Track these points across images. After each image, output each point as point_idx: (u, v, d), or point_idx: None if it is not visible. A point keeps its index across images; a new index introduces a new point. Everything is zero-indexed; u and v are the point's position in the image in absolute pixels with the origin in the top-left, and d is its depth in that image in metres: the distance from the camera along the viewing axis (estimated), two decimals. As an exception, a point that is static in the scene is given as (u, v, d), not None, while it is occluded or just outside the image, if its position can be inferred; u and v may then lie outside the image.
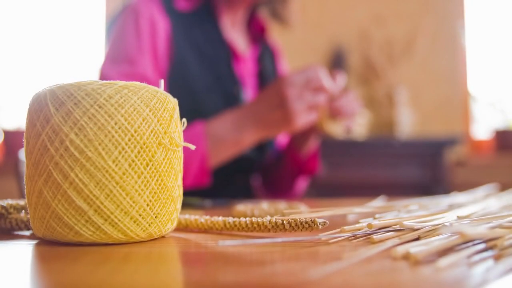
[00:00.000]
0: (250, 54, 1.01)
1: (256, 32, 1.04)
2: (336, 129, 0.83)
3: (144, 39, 0.85)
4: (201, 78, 0.89)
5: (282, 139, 1.08)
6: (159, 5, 0.89)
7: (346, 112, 0.83)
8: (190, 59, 0.89)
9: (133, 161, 0.35)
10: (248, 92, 0.97)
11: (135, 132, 0.35)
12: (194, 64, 0.89)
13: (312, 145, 0.95)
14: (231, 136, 0.77)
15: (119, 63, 0.83)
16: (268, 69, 1.03)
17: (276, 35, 2.19)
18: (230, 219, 0.40)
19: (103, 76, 0.81)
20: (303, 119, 0.74)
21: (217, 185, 0.93)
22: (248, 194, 0.97)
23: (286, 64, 1.16)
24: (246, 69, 0.98)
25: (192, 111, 0.84)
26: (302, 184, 1.05)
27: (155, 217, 0.37)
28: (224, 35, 0.94)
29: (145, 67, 0.83)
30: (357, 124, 2.09)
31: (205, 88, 0.89)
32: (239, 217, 0.40)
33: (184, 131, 0.45)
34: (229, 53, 0.94)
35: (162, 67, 0.87)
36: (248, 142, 0.79)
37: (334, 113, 0.82)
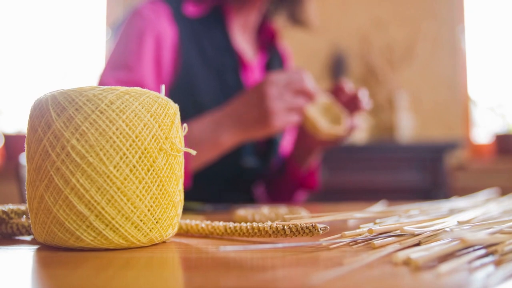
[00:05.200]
0: (258, 62, 0.99)
1: (266, 39, 1.02)
2: (329, 128, 0.79)
3: (146, 46, 0.83)
4: (207, 87, 0.88)
5: (286, 147, 1.08)
6: (167, 11, 0.87)
7: (351, 108, 0.81)
8: (197, 68, 0.88)
9: (134, 166, 0.35)
10: None
11: (136, 137, 0.35)
12: (201, 73, 0.88)
13: (313, 161, 0.95)
14: (208, 137, 0.75)
15: (118, 69, 0.82)
16: None
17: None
18: (231, 224, 0.40)
19: (101, 82, 0.81)
20: (281, 119, 0.72)
21: (219, 192, 0.92)
22: (250, 201, 0.97)
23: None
24: (254, 78, 0.96)
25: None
26: (301, 196, 1.05)
27: (156, 222, 0.37)
28: (232, 43, 0.92)
29: (143, 74, 0.82)
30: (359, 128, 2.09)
31: (211, 97, 0.87)
32: (240, 222, 0.40)
33: None
34: (237, 62, 0.92)
35: (165, 76, 0.86)
36: (227, 143, 0.76)
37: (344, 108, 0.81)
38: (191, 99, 0.85)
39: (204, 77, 0.88)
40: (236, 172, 0.90)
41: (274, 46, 1.04)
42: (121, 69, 0.82)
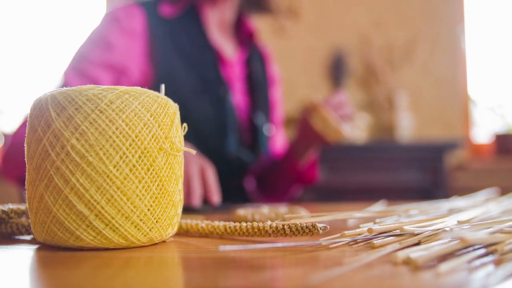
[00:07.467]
0: (238, 58, 1.01)
1: (244, 36, 1.04)
2: (349, 131, 0.84)
3: (114, 49, 0.85)
4: (188, 83, 0.90)
5: (278, 144, 1.08)
6: (142, 14, 0.89)
7: (340, 114, 0.85)
8: (177, 66, 0.89)
9: (134, 166, 0.35)
10: (236, 96, 0.97)
11: (136, 137, 0.35)
12: (181, 70, 0.90)
13: (311, 154, 0.95)
14: None
15: (81, 69, 0.83)
16: (258, 73, 1.03)
17: (276, 40, 2.19)
18: (231, 224, 0.40)
19: (64, 80, 0.82)
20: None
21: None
22: (241, 196, 0.97)
23: (277, 68, 1.15)
24: (234, 73, 0.98)
25: (181, 117, 0.83)
26: (296, 191, 1.05)
27: (156, 221, 0.37)
28: (210, 39, 0.94)
29: (104, 77, 0.83)
30: (357, 128, 2.09)
31: (192, 92, 0.89)
32: (239, 222, 0.40)
33: None
34: (215, 57, 0.94)
35: (135, 78, 0.87)
36: None
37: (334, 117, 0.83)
38: (172, 96, 0.86)
39: (184, 75, 0.90)
40: (226, 164, 0.90)
41: (253, 43, 1.06)
42: (84, 69, 0.83)
